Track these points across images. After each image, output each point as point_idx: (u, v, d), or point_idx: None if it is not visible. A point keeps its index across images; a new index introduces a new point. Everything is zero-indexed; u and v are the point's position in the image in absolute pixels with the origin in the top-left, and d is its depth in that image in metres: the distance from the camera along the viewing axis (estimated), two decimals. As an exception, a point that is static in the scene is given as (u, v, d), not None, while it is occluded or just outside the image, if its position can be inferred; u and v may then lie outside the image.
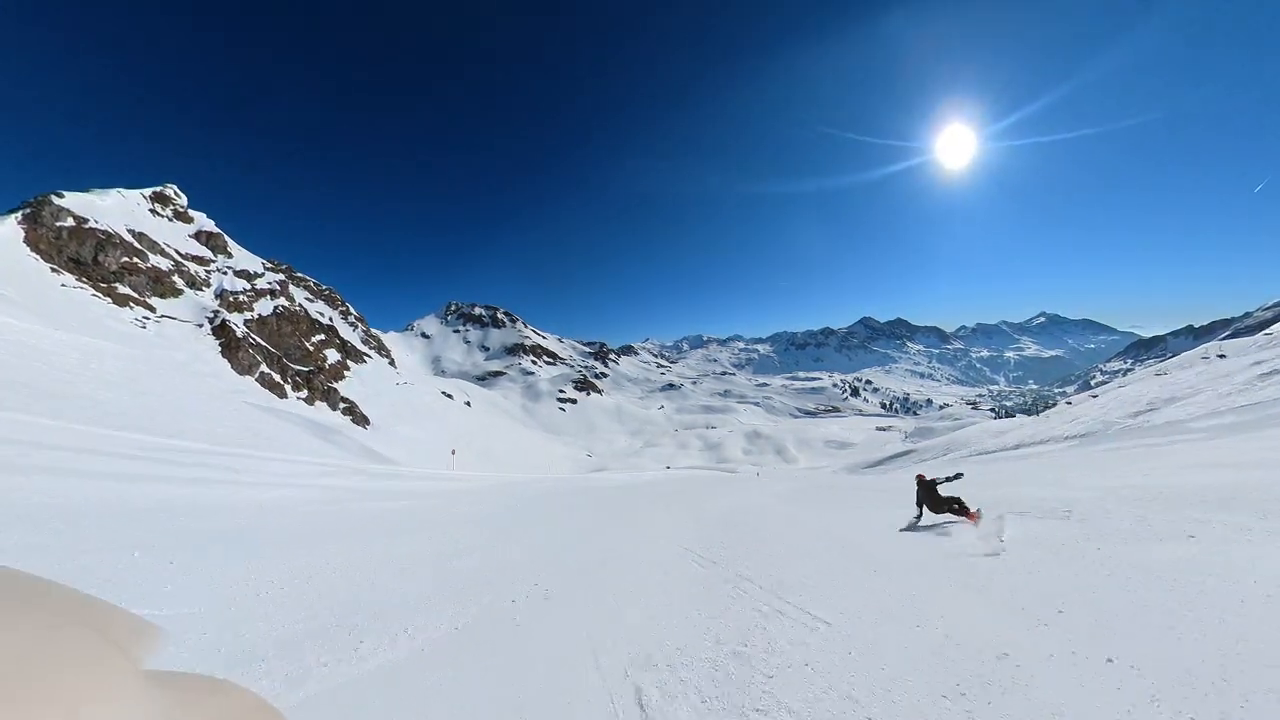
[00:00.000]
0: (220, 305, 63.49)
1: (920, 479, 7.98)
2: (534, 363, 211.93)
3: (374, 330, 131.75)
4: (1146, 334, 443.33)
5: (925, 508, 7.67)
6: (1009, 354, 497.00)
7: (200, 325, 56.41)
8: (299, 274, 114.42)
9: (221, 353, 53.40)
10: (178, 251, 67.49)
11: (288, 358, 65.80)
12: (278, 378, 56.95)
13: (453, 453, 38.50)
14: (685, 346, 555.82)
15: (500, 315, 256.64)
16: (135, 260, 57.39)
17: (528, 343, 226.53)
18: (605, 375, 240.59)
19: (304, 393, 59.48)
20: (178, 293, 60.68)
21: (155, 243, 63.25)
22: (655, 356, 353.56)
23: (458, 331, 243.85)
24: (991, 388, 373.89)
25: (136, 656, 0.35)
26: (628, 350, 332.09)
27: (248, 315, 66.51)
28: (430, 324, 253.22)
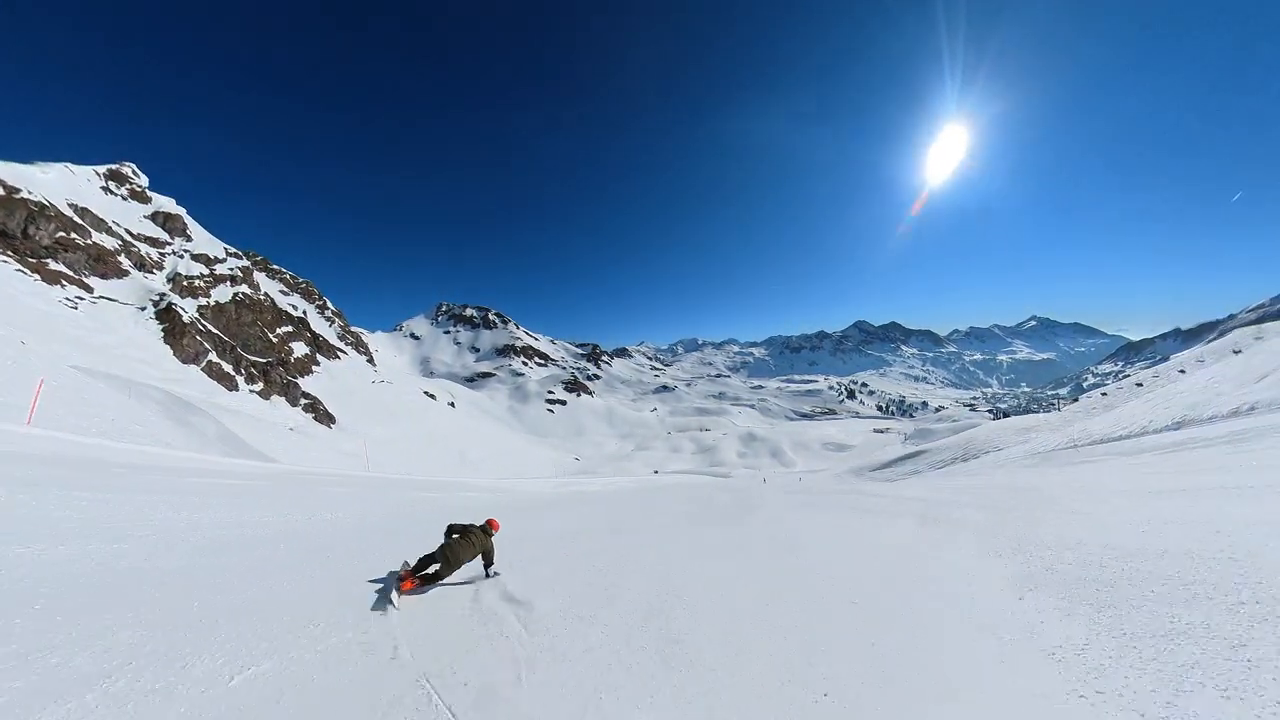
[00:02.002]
0: (171, 289, 58.24)
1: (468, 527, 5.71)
2: (525, 364, 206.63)
3: (354, 327, 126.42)
4: (1135, 337, 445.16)
5: (447, 562, 5.40)
6: (1001, 357, 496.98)
7: (143, 309, 51.21)
8: (275, 266, 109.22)
9: (163, 338, 48.23)
10: (128, 231, 62.19)
11: (246, 348, 60.61)
12: (228, 368, 51.80)
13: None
14: (680, 350, 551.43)
15: (492, 316, 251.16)
16: (73, 236, 52.11)
17: (519, 344, 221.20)
18: (598, 377, 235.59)
19: (259, 385, 54.31)
20: (123, 273, 55.41)
21: (101, 220, 57.96)
22: (649, 359, 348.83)
23: (448, 332, 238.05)
24: (985, 390, 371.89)
25: None
26: (621, 352, 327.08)
27: (202, 301, 61.22)
28: (420, 324, 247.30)
